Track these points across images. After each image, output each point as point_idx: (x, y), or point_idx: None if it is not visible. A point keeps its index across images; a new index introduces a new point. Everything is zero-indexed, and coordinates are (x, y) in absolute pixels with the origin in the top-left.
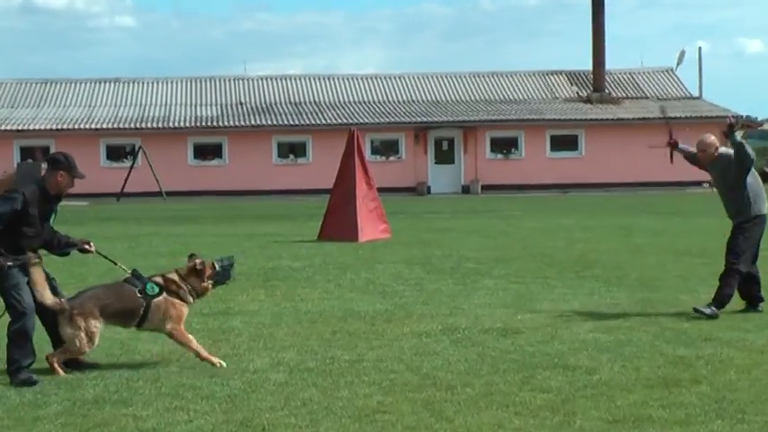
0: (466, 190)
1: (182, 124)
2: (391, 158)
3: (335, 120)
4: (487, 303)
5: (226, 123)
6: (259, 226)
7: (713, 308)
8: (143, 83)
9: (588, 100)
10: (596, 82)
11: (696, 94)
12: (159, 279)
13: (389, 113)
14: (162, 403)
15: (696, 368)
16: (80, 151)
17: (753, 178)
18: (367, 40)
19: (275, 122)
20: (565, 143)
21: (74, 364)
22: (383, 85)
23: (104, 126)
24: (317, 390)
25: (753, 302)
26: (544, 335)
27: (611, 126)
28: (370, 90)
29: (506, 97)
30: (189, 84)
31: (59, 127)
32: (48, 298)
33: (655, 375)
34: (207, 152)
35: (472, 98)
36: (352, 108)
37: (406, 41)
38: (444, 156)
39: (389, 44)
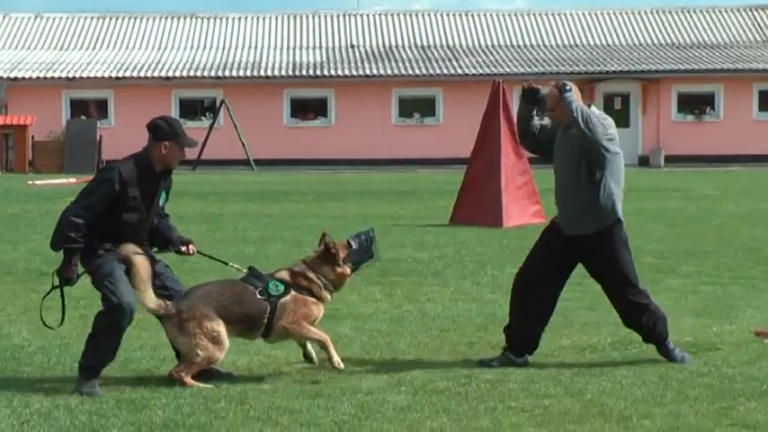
0: (644, 161)
1: (276, 73)
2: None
3: (474, 69)
4: (673, 310)
5: (332, 72)
6: (374, 205)
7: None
8: (227, 19)
9: None
10: None
11: None
12: (284, 274)
13: (544, 61)
14: (250, 431)
15: None
16: (146, 106)
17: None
18: None
19: (396, 71)
20: None
21: (207, 375)
22: (536, 25)
23: (177, 74)
24: (448, 417)
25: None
26: (748, 353)
27: None
28: (520, 31)
29: (700, 40)
30: (285, 21)
31: (120, 75)
32: (149, 300)
33: None
34: (308, 109)
35: (654, 41)
36: (495, 54)
37: None
38: (617, 117)
39: None
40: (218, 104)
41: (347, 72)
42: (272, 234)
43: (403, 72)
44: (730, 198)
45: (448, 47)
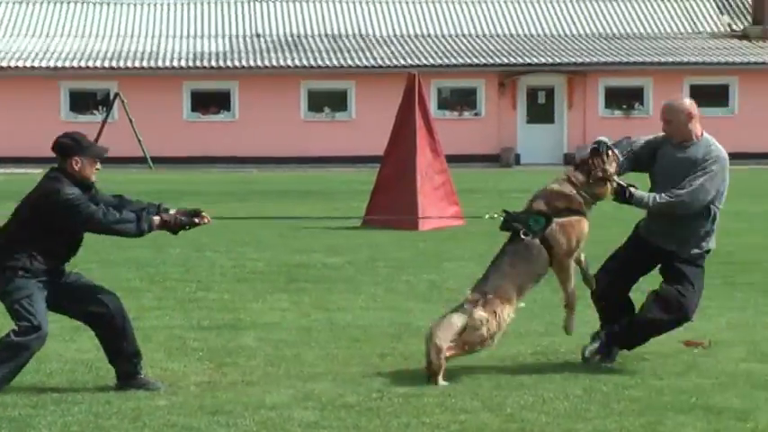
0: (570, 160)
1: (174, 63)
2: (466, 115)
3: (388, 60)
4: (592, 319)
5: (236, 63)
6: (282, 206)
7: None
8: (121, 5)
9: (745, 36)
10: (757, 11)
11: None
12: (540, 203)
13: (464, 52)
14: None
15: None
16: (32, 99)
17: None
18: None
19: (304, 63)
20: (710, 96)
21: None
22: (454, 13)
23: (66, 64)
24: None
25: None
26: (677, 364)
27: None
28: (437, 19)
29: (629, 31)
30: (185, 7)
31: (1, 64)
32: (456, 319)
33: None
34: (209, 103)
35: (580, 32)
36: (412, 44)
37: None
38: (540, 112)
39: None
40: (111, 97)
41: (252, 63)
42: (169, 238)
43: (312, 63)
44: None
45: (360, 36)
